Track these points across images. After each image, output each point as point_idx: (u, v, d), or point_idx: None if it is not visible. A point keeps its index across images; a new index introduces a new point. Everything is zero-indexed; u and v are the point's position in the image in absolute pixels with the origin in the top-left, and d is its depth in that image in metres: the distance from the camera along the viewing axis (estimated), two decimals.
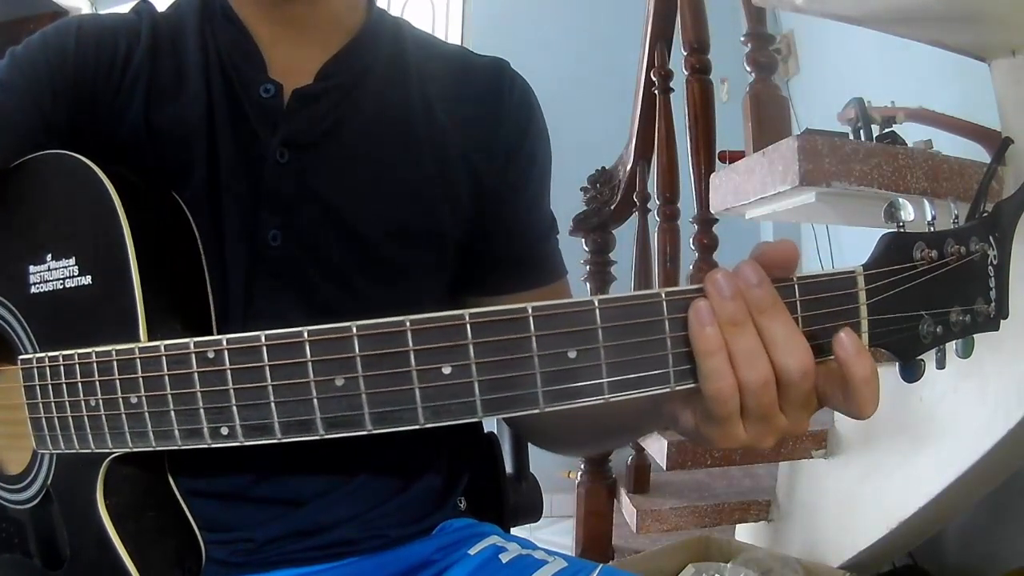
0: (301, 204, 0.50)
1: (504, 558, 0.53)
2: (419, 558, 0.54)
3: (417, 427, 0.32)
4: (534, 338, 0.31)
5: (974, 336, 0.36)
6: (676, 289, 0.32)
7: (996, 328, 0.36)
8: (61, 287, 0.42)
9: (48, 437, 0.42)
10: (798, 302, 0.33)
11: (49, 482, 0.44)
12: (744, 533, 1.47)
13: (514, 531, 0.63)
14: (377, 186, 0.52)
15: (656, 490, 1.42)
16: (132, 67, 0.50)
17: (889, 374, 0.36)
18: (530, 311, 0.31)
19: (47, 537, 0.45)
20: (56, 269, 0.42)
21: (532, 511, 0.73)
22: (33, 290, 0.43)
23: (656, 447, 1.22)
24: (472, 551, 0.53)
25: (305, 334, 0.32)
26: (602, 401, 0.31)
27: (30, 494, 0.45)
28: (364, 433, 0.32)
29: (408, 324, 0.31)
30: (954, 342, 0.36)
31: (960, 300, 0.35)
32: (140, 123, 0.49)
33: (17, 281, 0.44)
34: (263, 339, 0.33)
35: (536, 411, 0.31)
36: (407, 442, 0.52)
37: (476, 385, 0.31)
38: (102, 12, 0.54)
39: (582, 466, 1.51)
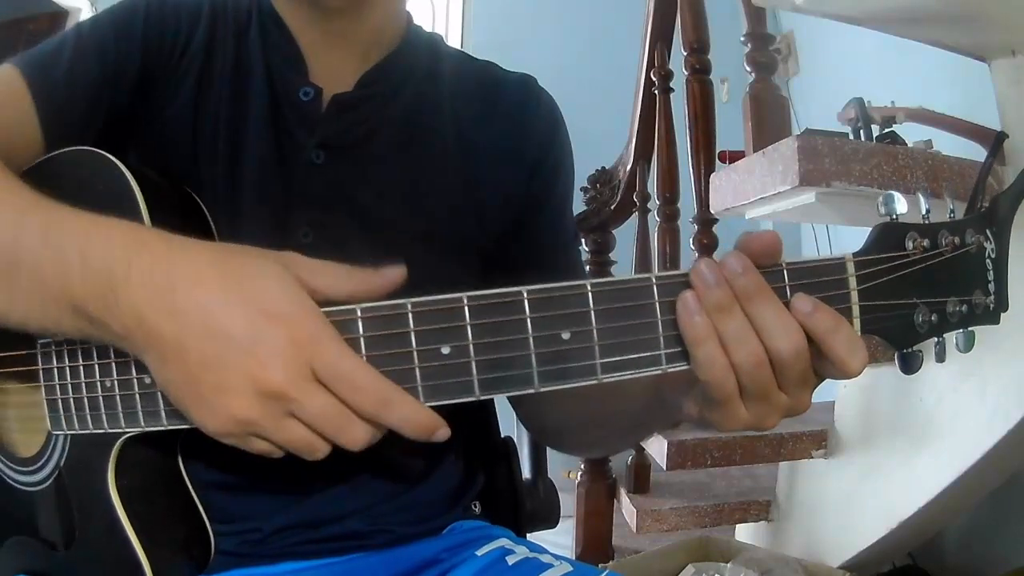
0: (333, 204, 0.52)
1: (510, 560, 0.53)
2: (425, 557, 0.54)
3: None
4: (529, 319, 0.32)
5: (975, 331, 0.36)
6: (667, 273, 0.33)
7: (996, 321, 0.36)
8: None
9: (63, 418, 0.43)
10: (787, 287, 0.34)
11: (62, 464, 0.45)
12: (744, 533, 1.47)
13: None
14: (406, 191, 0.54)
15: (656, 490, 1.42)
16: (189, 52, 0.52)
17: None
18: (525, 294, 0.32)
19: (57, 518, 0.46)
20: None
21: (549, 517, 0.72)
22: None
23: (656, 447, 1.22)
24: (479, 552, 0.54)
25: None
26: (595, 382, 0.32)
27: (42, 476, 0.46)
28: None
29: (409, 306, 0.33)
30: (955, 336, 0.36)
31: (957, 291, 0.35)
32: (188, 106, 0.51)
33: None
34: None
35: (532, 391, 0.32)
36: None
37: (473, 365, 0.32)
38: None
39: (582, 466, 1.50)
